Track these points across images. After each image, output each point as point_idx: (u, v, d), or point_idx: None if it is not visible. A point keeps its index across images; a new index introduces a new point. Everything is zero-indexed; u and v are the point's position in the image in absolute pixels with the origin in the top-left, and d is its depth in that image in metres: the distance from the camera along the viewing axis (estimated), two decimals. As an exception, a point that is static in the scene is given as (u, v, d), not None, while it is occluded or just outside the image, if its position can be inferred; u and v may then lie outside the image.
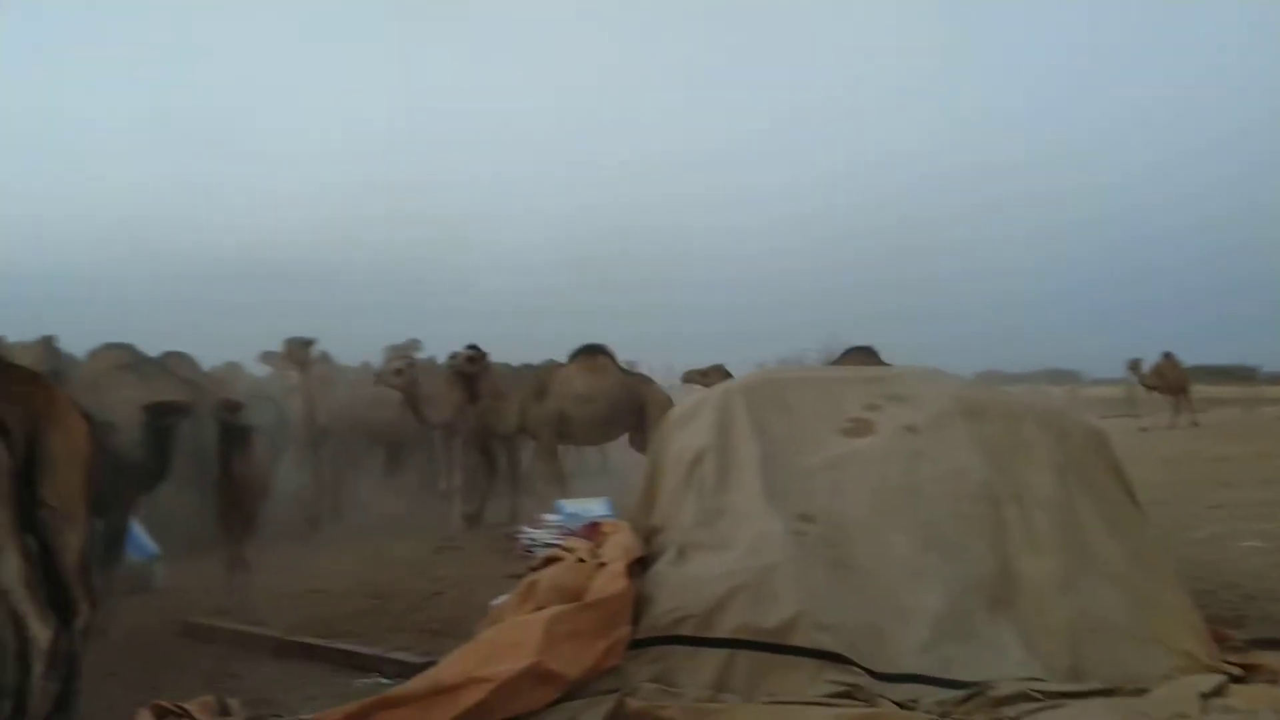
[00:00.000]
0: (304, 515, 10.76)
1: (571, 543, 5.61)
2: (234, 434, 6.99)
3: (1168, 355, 23.56)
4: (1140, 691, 4.29)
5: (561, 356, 11.67)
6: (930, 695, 4.31)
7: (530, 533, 9.00)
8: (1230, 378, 35.87)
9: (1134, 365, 23.92)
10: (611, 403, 11.11)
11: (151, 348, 9.92)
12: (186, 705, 4.26)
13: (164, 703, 4.30)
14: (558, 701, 4.18)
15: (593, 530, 6.00)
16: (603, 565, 4.90)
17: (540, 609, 4.55)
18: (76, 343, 10.98)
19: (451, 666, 4.24)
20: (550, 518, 9.12)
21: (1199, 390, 25.39)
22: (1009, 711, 4.13)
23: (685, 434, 5.67)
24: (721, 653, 4.44)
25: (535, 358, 12.60)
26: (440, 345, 12.33)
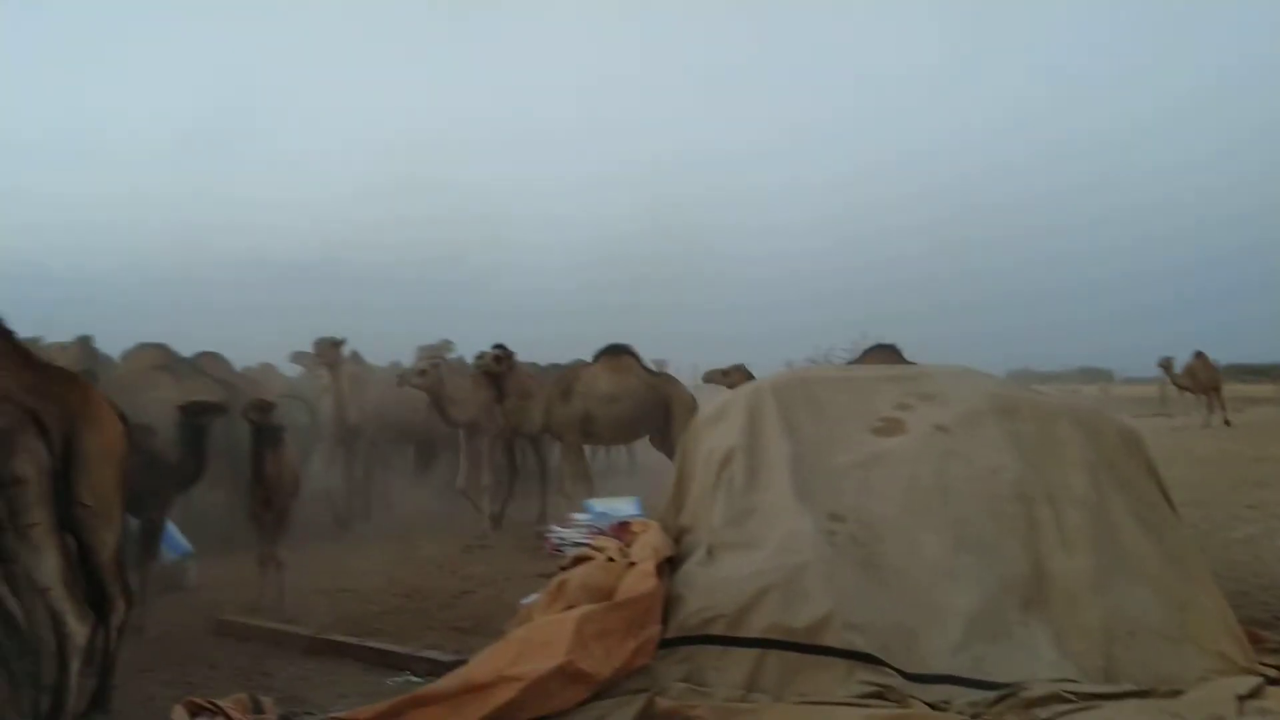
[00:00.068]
0: (334, 514, 10.83)
1: (601, 542, 5.61)
2: (266, 434, 7.04)
3: (1199, 354, 23.30)
4: (1175, 693, 4.25)
5: (592, 356, 11.67)
6: (962, 696, 4.29)
7: (560, 532, 9.00)
8: (1266, 376, 35.47)
9: (1165, 364, 23.67)
10: (636, 402, 11.09)
11: (185, 348, 10.03)
12: (220, 702, 4.29)
13: (198, 699, 4.33)
14: (588, 701, 4.20)
15: (622, 529, 6.01)
16: (632, 565, 4.91)
17: (570, 608, 4.57)
18: (110, 343, 11.13)
19: (482, 665, 4.25)
20: (579, 517, 9.12)
21: (1234, 389, 25.10)
22: (1042, 713, 4.10)
23: (715, 434, 5.67)
24: (752, 652, 4.44)
25: (567, 357, 12.59)
26: (472, 345, 12.35)
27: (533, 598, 5.20)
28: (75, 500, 4.51)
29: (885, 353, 9.69)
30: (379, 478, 12.16)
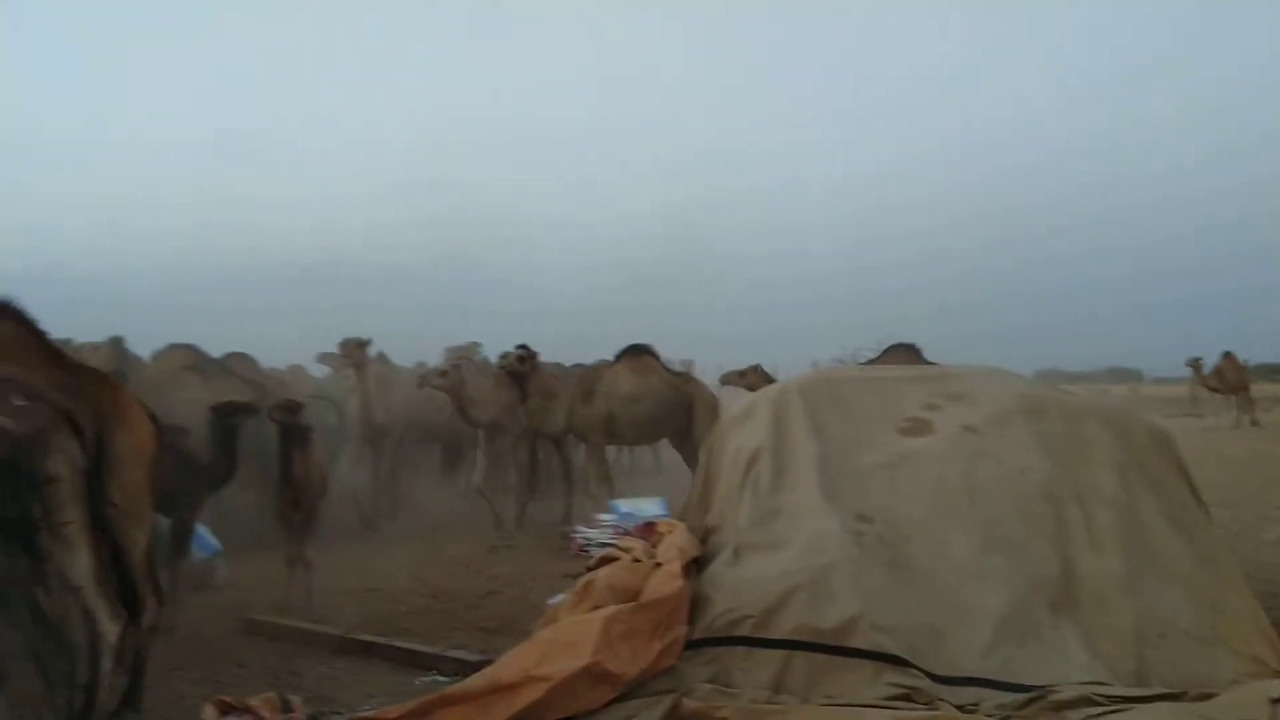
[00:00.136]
0: (361, 515, 10.88)
1: (627, 542, 5.61)
2: (293, 434, 7.08)
3: (1227, 354, 23.12)
4: (1207, 696, 4.20)
5: (614, 356, 11.66)
6: (991, 699, 4.25)
7: (585, 532, 9.01)
8: (1297, 375, 35.06)
9: (1194, 365, 23.53)
10: (659, 402, 11.08)
11: (212, 348, 10.10)
12: (249, 701, 4.33)
13: (227, 698, 4.37)
14: (614, 701, 4.20)
15: (648, 530, 6.01)
16: (659, 565, 4.90)
17: (596, 608, 4.57)
18: (138, 344, 11.23)
19: (509, 665, 4.27)
20: (605, 517, 9.13)
21: (1263, 389, 24.82)
22: (1072, 716, 4.06)
23: (741, 434, 5.66)
24: (779, 654, 4.42)
25: (594, 355, 12.58)
26: (499, 344, 12.37)
27: (559, 598, 5.21)
28: (106, 500, 4.55)
29: (905, 352, 9.61)
30: (405, 478, 12.22)
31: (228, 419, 6.92)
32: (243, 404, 7.16)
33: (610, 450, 12.27)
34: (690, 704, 4.19)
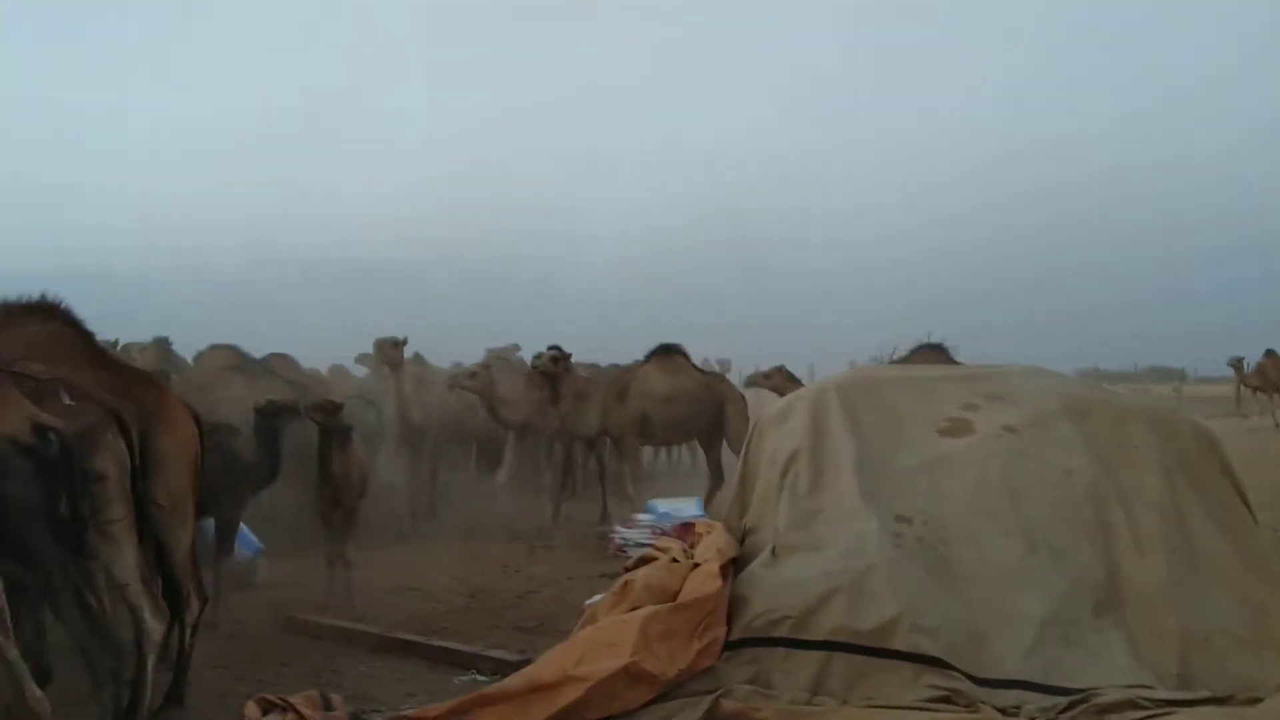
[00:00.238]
0: (399, 514, 10.93)
1: (665, 542, 5.62)
2: (333, 434, 7.14)
3: (1270, 353, 22.74)
4: (1254, 701, 4.13)
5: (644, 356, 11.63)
6: (1033, 702, 4.20)
7: (623, 532, 9.03)
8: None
9: (1236, 364, 23.23)
10: (691, 402, 11.05)
11: (253, 348, 10.22)
12: (291, 699, 4.36)
13: (269, 696, 4.40)
14: (653, 701, 4.20)
15: (686, 530, 6.01)
16: (696, 565, 4.89)
17: (635, 609, 4.57)
18: (180, 344, 11.38)
19: (548, 664, 4.28)
20: (643, 517, 9.15)
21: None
22: (1115, 720, 4.02)
23: (779, 434, 5.63)
24: (818, 655, 4.40)
25: (639, 351, 12.54)
26: (537, 342, 12.38)
27: (597, 598, 5.21)
28: (150, 499, 4.62)
29: (933, 353, 9.53)
30: (443, 478, 12.28)
31: (272, 420, 6.99)
32: (286, 404, 7.24)
33: (647, 451, 12.26)
34: (729, 705, 4.19)
